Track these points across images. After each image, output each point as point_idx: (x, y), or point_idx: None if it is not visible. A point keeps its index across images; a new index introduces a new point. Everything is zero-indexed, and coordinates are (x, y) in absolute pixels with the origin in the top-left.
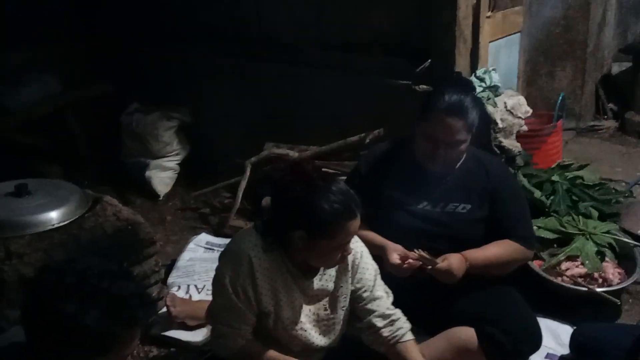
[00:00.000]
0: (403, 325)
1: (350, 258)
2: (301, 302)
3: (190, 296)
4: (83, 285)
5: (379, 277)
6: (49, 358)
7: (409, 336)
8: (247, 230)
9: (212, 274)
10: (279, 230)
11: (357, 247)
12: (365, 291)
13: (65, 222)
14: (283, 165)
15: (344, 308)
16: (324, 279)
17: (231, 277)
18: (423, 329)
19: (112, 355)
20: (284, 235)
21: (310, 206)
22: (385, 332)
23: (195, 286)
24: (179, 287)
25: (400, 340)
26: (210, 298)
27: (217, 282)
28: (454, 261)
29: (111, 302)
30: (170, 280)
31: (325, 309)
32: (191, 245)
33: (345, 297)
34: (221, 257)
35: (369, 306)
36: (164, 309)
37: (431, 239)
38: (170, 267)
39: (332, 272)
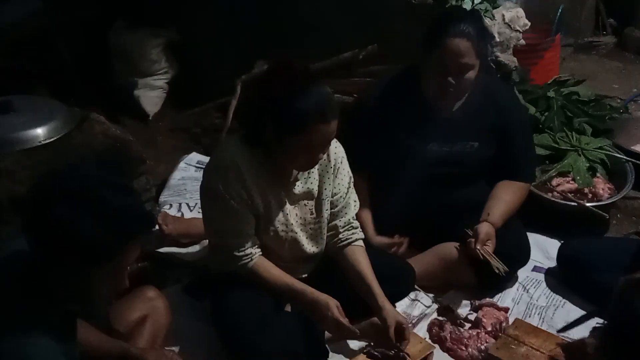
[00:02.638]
0: (358, 233)
1: (332, 162)
2: (288, 205)
3: (182, 214)
4: (83, 191)
5: (352, 184)
6: (47, 265)
7: (361, 243)
8: (227, 141)
9: None
10: (256, 123)
11: (339, 151)
12: (341, 197)
13: (53, 139)
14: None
15: (328, 211)
16: (308, 182)
17: (223, 183)
18: (415, 246)
19: (109, 267)
20: (260, 128)
21: (283, 99)
22: (342, 235)
23: (187, 204)
24: (171, 205)
25: (352, 244)
26: (201, 216)
27: (210, 195)
28: (488, 234)
29: (108, 212)
30: (161, 199)
31: (312, 213)
32: (182, 164)
33: (328, 200)
34: (206, 172)
35: (339, 212)
36: (156, 227)
37: (437, 178)
38: (161, 187)
39: (315, 175)
